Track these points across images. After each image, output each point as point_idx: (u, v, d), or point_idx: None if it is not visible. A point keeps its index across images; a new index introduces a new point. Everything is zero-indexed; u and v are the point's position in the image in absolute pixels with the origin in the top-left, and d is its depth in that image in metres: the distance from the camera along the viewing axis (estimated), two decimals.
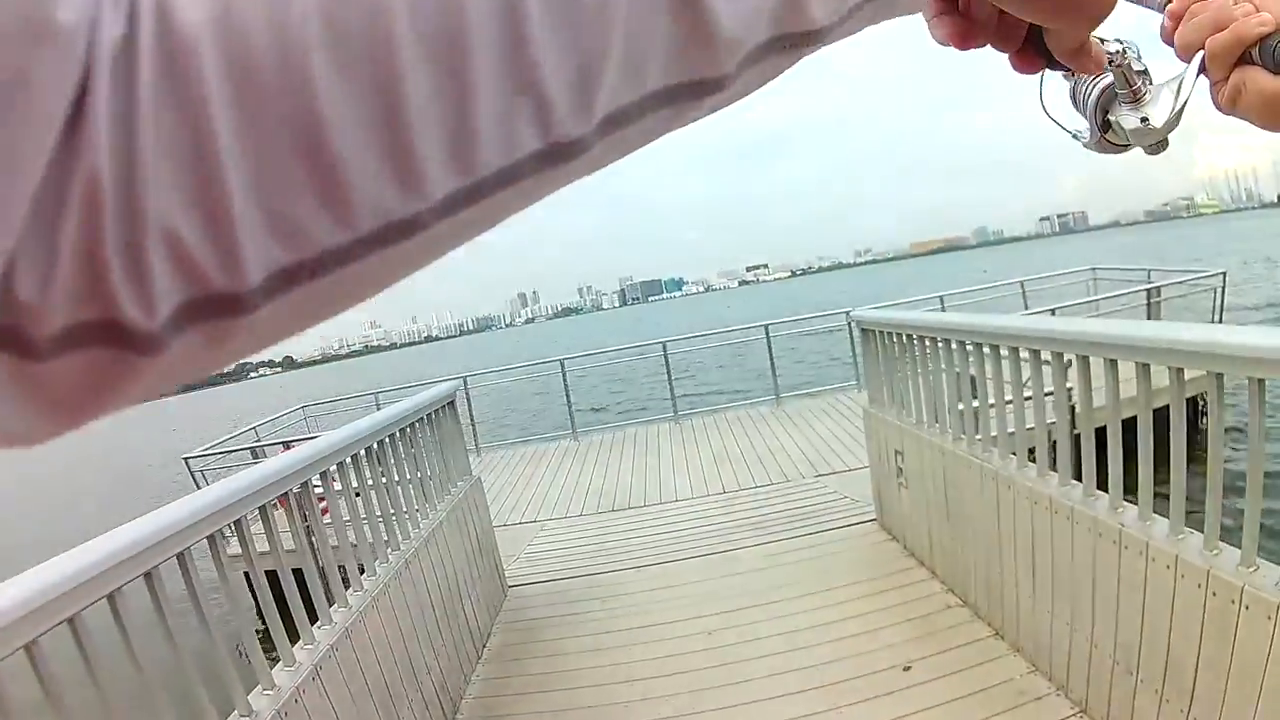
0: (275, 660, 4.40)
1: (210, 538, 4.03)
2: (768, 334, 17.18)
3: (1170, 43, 0.95)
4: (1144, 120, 0.95)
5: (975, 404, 5.95)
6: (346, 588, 5.31)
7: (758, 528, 9.26)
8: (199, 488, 13.20)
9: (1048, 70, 0.90)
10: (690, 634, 6.80)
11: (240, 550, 4.44)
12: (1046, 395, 5.11)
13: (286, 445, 12.35)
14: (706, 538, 9.28)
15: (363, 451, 6.01)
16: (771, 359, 16.84)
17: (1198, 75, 0.92)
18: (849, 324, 10.07)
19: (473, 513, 7.92)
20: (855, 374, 14.79)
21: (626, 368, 23.34)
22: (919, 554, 7.33)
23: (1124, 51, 0.95)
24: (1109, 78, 0.98)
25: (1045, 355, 5.02)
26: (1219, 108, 0.92)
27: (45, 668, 2.90)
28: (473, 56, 0.40)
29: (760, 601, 7.14)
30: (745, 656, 6.25)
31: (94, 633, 3.15)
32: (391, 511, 6.24)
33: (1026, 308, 15.48)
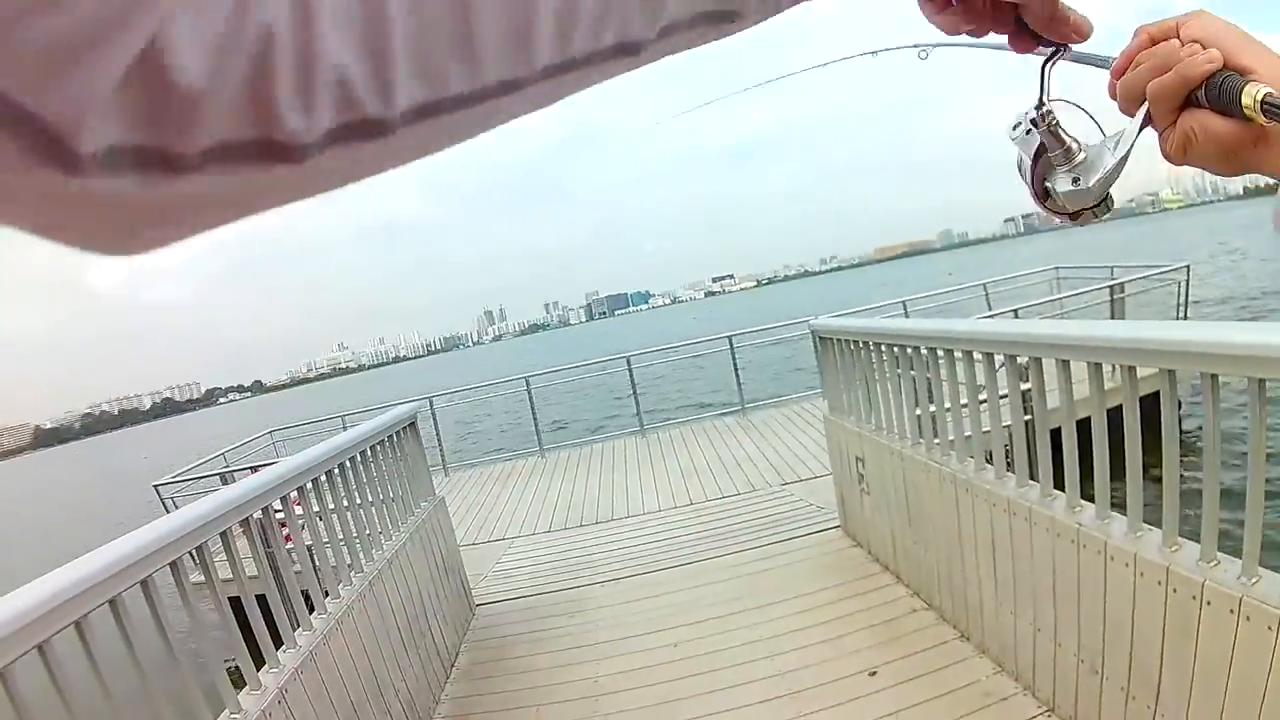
0: (242, 685, 4.38)
1: (173, 564, 4.00)
2: (731, 345, 17.16)
3: (1116, 97, 0.92)
4: (1076, 181, 0.93)
5: (932, 408, 5.95)
6: (311, 611, 5.29)
7: (725, 538, 9.27)
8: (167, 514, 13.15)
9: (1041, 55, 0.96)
10: (660, 646, 6.82)
11: (204, 577, 4.39)
12: (1002, 398, 5.12)
13: (254, 470, 12.30)
14: (675, 549, 9.29)
15: (324, 475, 5.99)
16: (736, 370, 16.83)
17: (1142, 127, 0.89)
18: (811, 333, 10.08)
19: (437, 533, 7.89)
20: (820, 382, 14.81)
21: (593, 383, 23.30)
22: (883, 559, 7.35)
23: (1049, 111, 0.95)
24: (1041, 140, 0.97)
25: (999, 358, 5.02)
26: (1169, 158, 0.88)
27: (16, 692, 2.90)
28: None
29: (728, 611, 7.16)
30: (714, 666, 6.25)
31: (63, 660, 3.15)
32: (354, 534, 6.21)
33: (990, 309, 15.43)
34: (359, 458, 6.62)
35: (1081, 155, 0.93)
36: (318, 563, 5.63)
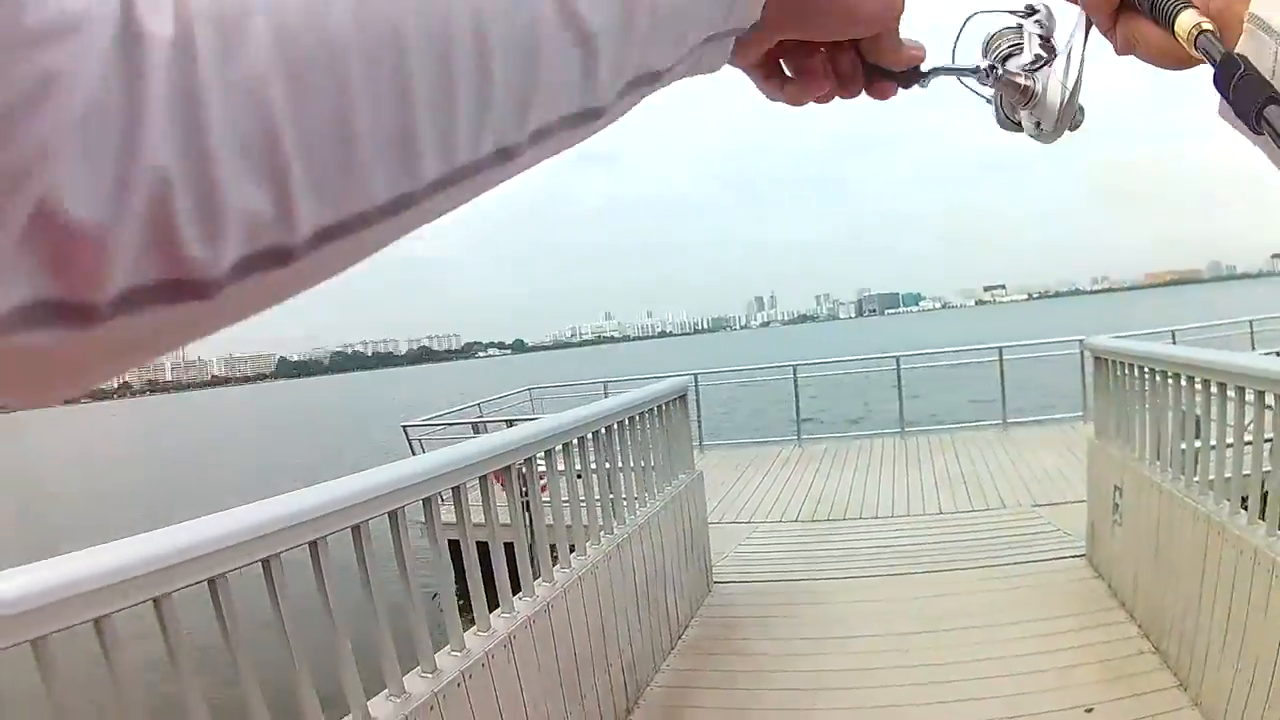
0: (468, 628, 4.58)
1: (426, 501, 4.23)
2: (1001, 357, 16.88)
3: None
4: (1039, 125, 0.92)
5: (1198, 444, 5.86)
6: (555, 564, 5.48)
7: (968, 552, 9.17)
8: (412, 454, 13.68)
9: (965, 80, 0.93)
10: (885, 650, 6.80)
11: (454, 518, 4.63)
12: (1266, 441, 5.04)
13: (510, 424, 12.66)
14: (918, 556, 9.23)
15: (590, 435, 6.20)
16: (1003, 383, 16.53)
17: (1086, 38, 0.88)
18: (1081, 352, 9.84)
19: (689, 506, 8.04)
20: (1082, 405, 14.50)
21: (858, 379, 23.18)
22: (1121, 594, 7.13)
23: (992, 68, 0.92)
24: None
25: (1270, 397, 4.92)
26: (1117, 51, 0.87)
27: (228, 602, 3.13)
28: (458, 79, 0.53)
29: (958, 625, 7.10)
30: (933, 679, 6.22)
31: (292, 579, 3.41)
32: (610, 496, 6.42)
33: (1254, 348, 14.91)
34: (627, 422, 6.83)
35: (1038, 90, 0.91)
36: (570, 520, 5.82)
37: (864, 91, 0.91)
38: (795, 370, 17.85)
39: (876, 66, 0.89)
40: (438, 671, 4.13)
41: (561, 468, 5.90)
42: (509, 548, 5.03)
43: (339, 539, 3.68)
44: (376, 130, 0.50)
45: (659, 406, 7.58)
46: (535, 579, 5.23)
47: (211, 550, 3.00)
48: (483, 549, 4.71)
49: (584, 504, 6.01)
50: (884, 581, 8.56)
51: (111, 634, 2.71)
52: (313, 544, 3.50)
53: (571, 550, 5.73)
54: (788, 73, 0.89)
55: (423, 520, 4.40)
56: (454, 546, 4.61)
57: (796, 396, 17.43)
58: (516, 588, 5.07)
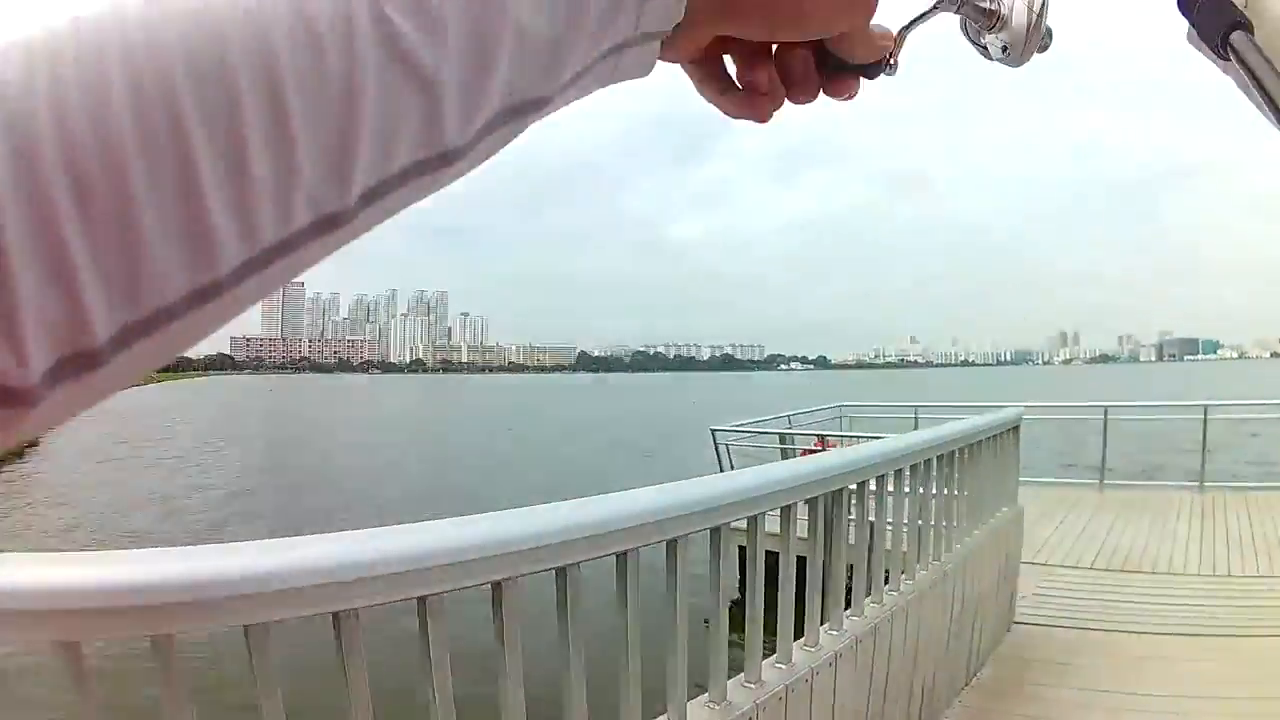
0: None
1: (784, 509, 4.26)
2: None
3: None
4: (1005, 50, 0.80)
5: None
6: (886, 584, 5.41)
7: (1252, 619, 8.70)
8: (718, 459, 13.91)
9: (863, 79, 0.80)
10: (1170, 711, 6.53)
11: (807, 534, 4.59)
12: None
13: (821, 439, 12.77)
14: (1208, 620, 8.76)
15: (935, 458, 6.09)
16: None
17: None
18: None
19: (1008, 541, 7.89)
20: None
21: (1164, 425, 22.53)
22: None
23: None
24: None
25: None
26: None
27: (574, 591, 3.13)
28: (250, 151, 0.47)
29: (1233, 695, 6.76)
30: None
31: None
32: (944, 522, 6.33)
33: None
34: (966, 450, 6.70)
35: (1004, 13, 0.78)
36: (906, 545, 5.78)
37: (822, 92, 0.78)
38: (1106, 412, 17.24)
39: (835, 61, 0.77)
40: (761, 683, 4.10)
41: (907, 489, 5.91)
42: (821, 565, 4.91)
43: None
44: (163, 224, 0.47)
45: (993, 436, 7.45)
46: (866, 598, 5.16)
47: (562, 540, 3.01)
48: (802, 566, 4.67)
49: (920, 527, 5.98)
50: (1175, 642, 8.15)
51: (437, 608, 2.73)
52: (671, 542, 3.52)
53: (902, 574, 5.66)
54: (733, 76, 0.76)
55: (776, 531, 4.32)
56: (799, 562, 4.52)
57: (1105, 440, 16.73)
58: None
